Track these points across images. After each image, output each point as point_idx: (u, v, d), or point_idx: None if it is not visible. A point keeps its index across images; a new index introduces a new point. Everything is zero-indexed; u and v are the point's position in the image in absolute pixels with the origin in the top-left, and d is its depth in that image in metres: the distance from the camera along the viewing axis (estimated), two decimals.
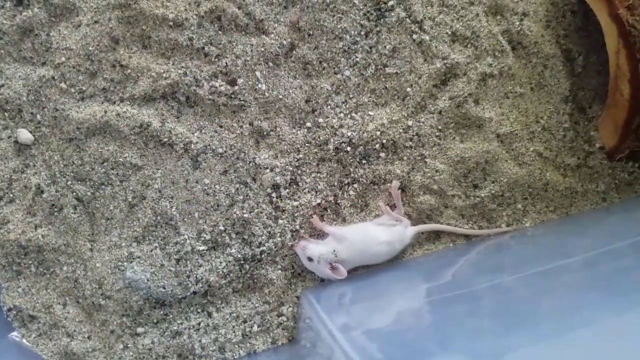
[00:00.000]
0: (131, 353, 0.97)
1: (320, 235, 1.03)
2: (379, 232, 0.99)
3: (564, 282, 0.88)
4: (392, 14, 1.08)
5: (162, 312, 0.99)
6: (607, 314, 0.76)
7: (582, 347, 0.70)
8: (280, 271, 1.02)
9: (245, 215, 1.01)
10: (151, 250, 0.99)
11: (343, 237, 0.98)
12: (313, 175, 1.05)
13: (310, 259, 0.95)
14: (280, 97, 1.05)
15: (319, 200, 1.04)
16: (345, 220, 1.05)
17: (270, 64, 1.05)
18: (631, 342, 0.68)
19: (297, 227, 1.03)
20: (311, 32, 1.07)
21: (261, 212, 1.02)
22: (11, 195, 0.98)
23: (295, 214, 1.03)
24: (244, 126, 1.04)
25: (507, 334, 0.76)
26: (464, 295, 0.87)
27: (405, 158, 1.07)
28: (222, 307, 1.01)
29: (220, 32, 1.03)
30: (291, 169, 1.05)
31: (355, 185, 1.06)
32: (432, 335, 0.81)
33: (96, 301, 0.98)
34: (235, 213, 1.01)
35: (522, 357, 0.68)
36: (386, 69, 1.08)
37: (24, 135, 0.99)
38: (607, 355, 0.66)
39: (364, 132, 1.06)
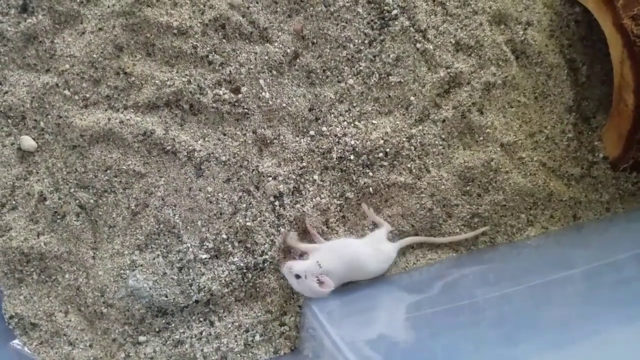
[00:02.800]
0: None
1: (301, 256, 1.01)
2: (355, 239, 1.00)
3: (566, 294, 0.88)
4: (396, 22, 1.08)
5: (164, 321, 0.98)
6: (608, 326, 0.76)
7: (583, 358, 0.70)
8: (282, 280, 1.01)
9: (248, 224, 1.01)
10: (154, 259, 0.98)
11: (319, 247, 0.97)
12: (316, 183, 1.05)
13: (297, 276, 0.93)
14: (284, 105, 1.05)
15: (323, 208, 1.04)
16: (348, 229, 1.05)
17: (274, 72, 1.05)
18: (633, 354, 0.68)
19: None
20: (315, 41, 1.07)
21: (264, 221, 1.02)
22: (14, 202, 0.98)
23: (298, 223, 1.03)
24: (248, 134, 1.04)
25: (510, 345, 0.76)
26: (467, 306, 0.87)
27: (408, 167, 1.07)
28: (225, 316, 1.00)
29: (224, 40, 1.03)
30: (294, 177, 1.04)
31: (359, 194, 1.06)
32: (437, 345, 0.80)
33: (98, 309, 0.97)
34: (238, 221, 1.01)
35: None
36: (390, 77, 1.08)
37: (27, 142, 0.98)
38: None
39: (367, 141, 1.06)
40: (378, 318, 0.90)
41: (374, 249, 0.98)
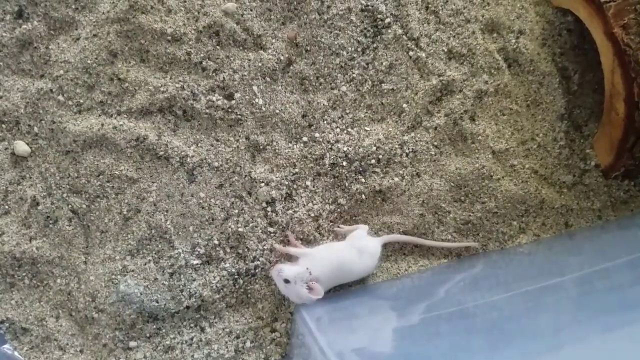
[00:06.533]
0: None
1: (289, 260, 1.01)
2: (340, 243, 1.00)
3: (557, 300, 0.88)
4: (389, 30, 1.09)
5: (154, 327, 0.98)
6: (597, 332, 0.76)
7: None
8: (274, 286, 1.01)
9: (240, 230, 1.01)
10: (145, 264, 0.99)
11: (308, 253, 0.97)
12: (309, 189, 1.05)
13: (287, 281, 0.92)
14: (277, 111, 1.06)
15: (315, 214, 1.04)
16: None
17: (268, 79, 1.06)
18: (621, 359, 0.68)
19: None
20: (308, 48, 1.08)
21: (256, 227, 1.02)
22: (6, 207, 0.98)
23: (291, 229, 1.03)
24: (240, 140, 1.04)
25: (498, 352, 0.76)
26: (457, 313, 0.87)
27: (401, 173, 1.07)
28: (215, 322, 1.00)
29: (218, 47, 1.04)
30: (287, 183, 1.05)
31: (351, 200, 1.06)
32: (425, 353, 0.80)
33: (89, 314, 0.97)
34: (230, 227, 1.01)
35: None
36: (382, 85, 1.09)
37: (21, 147, 0.99)
38: None
39: (360, 148, 1.06)
40: (367, 325, 0.90)
41: (358, 249, 0.97)
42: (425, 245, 1.06)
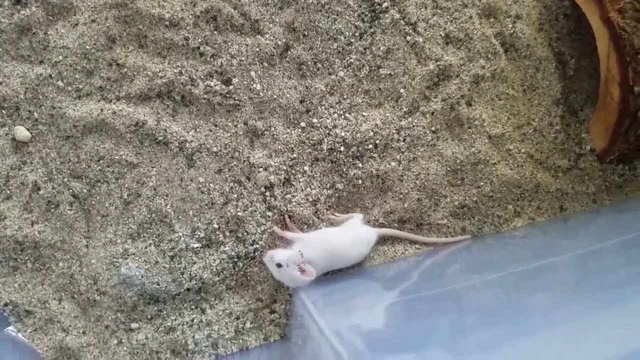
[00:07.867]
0: (125, 348, 0.98)
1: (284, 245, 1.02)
2: (335, 229, 1.02)
3: (550, 280, 0.89)
4: (387, 15, 1.10)
5: (156, 308, 1.00)
6: (590, 310, 0.78)
7: (564, 342, 0.71)
8: None
9: (239, 214, 1.03)
10: (146, 247, 1.00)
11: (303, 237, 0.98)
12: (307, 174, 1.07)
13: (279, 265, 0.94)
14: (275, 97, 1.06)
15: (313, 199, 1.06)
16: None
17: (265, 64, 1.06)
18: (611, 337, 0.70)
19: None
20: (306, 33, 1.08)
21: (255, 211, 1.04)
22: (8, 191, 0.99)
23: (289, 213, 1.04)
24: (239, 125, 1.05)
25: (491, 330, 0.78)
26: (450, 292, 0.89)
27: (397, 158, 1.08)
28: (216, 304, 1.02)
29: (215, 32, 1.04)
30: (285, 168, 1.06)
31: (349, 185, 1.07)
32: (418, 330, 0.82)
33: (91, 297, 0.99)
34: (229, 211, 1.03)
35: (505, 351, 0.70)
36: (380, 70, 1.10)
37: (22, 132, 1.00)
38: (589, 349, 0.68)
39: (357, 133, 1.07)
40: (365, 306, 0.92)
41: (352, 236, 0.99)
42: (420, 242, 1.08)
